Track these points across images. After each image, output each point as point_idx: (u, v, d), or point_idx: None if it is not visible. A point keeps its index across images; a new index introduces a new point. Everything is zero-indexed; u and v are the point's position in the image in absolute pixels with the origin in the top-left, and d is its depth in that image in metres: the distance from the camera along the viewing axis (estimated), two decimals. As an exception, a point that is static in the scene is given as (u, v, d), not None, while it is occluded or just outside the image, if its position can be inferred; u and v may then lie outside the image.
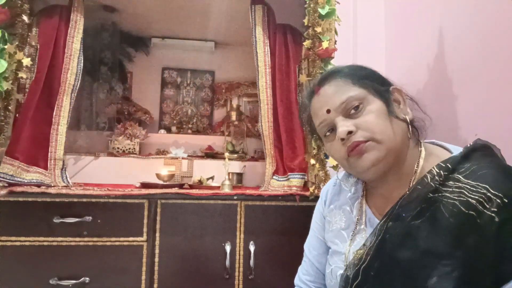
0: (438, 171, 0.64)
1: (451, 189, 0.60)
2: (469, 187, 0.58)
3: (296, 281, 0.93)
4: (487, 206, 0.55)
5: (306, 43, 1.56)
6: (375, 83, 0.73)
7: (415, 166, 0.71)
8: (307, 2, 1.56)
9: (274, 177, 1.67)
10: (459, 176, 0.61)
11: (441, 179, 0.63)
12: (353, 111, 0.70)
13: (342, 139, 0.70)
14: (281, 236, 1.46)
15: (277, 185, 1.63)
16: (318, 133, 0.79)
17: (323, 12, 1.52)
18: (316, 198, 1.46)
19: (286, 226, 1.47)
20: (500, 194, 0.55)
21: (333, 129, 0.73)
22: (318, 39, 1.53)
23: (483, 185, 0.57)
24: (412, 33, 1.78)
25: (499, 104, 1.14)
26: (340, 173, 0.90)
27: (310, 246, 0.92)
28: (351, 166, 0.72)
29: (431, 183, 0.63)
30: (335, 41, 1.60)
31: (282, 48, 1.67)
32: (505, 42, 1.12)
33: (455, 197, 0.59)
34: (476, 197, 0.56)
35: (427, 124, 0.76)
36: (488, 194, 0.56)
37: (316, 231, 0.91)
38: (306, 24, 1.58)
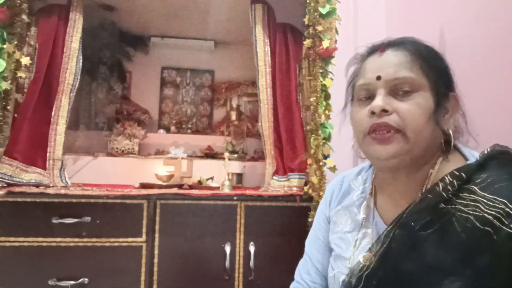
0: (451, 180, 0.60)
1: (465, 202, 0.57)
2: (485, 200, 0.55)
3: (296, 276, 0.91)
4: (506, 222, 0.51)
5: (307, 43, 1.55)
6: (441, 80, 0.67)
7: (430, 171, 0.67)
8: (308, 1, 1.56)
9: (274, 177, 1.66)
10: (475, 187, 0.57)
11: (454, 189, 0.59)
12: (401, 93, 0.65)
13: (373, 113, 0.65)
14: (281, 237, 1.46)
15: (277, 186, 1.62)
16: (354, 92, 0.74)
17: (323, 11, 1.52)
18: (311, 198, 1.46)
19: (287, 226, 1.47)
20: None
21: (371, 97, 0.68)
22: (318, 38, 1.53)
23: (501, 199, 0.53)
24: (413, 33, 1.75)
25: (500, 104, 1.13)
26: (350, 171, 0.87)
27: (311, 245, 0.89)
28: (365, 144, 0.69)
29: (443, 192, 0.60)
30: (336, 40, 1.60)
31: (282, 47, 1.66)
32: (506, 42, 1.11)
33: (469, 211, 0.55)
34: (493, 213, 0.53)
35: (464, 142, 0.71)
36: (507, 209, 0.52)
37: (318, 232, 0.88)
38: (306, 23, 1.57)
